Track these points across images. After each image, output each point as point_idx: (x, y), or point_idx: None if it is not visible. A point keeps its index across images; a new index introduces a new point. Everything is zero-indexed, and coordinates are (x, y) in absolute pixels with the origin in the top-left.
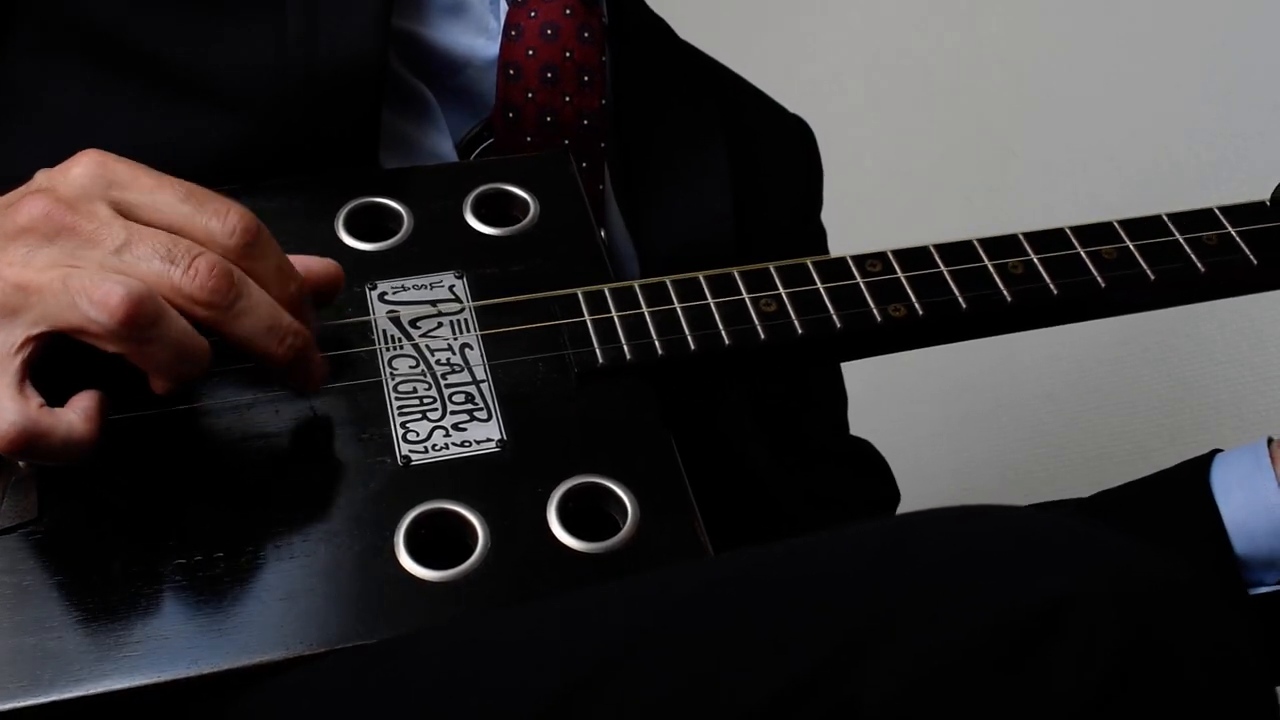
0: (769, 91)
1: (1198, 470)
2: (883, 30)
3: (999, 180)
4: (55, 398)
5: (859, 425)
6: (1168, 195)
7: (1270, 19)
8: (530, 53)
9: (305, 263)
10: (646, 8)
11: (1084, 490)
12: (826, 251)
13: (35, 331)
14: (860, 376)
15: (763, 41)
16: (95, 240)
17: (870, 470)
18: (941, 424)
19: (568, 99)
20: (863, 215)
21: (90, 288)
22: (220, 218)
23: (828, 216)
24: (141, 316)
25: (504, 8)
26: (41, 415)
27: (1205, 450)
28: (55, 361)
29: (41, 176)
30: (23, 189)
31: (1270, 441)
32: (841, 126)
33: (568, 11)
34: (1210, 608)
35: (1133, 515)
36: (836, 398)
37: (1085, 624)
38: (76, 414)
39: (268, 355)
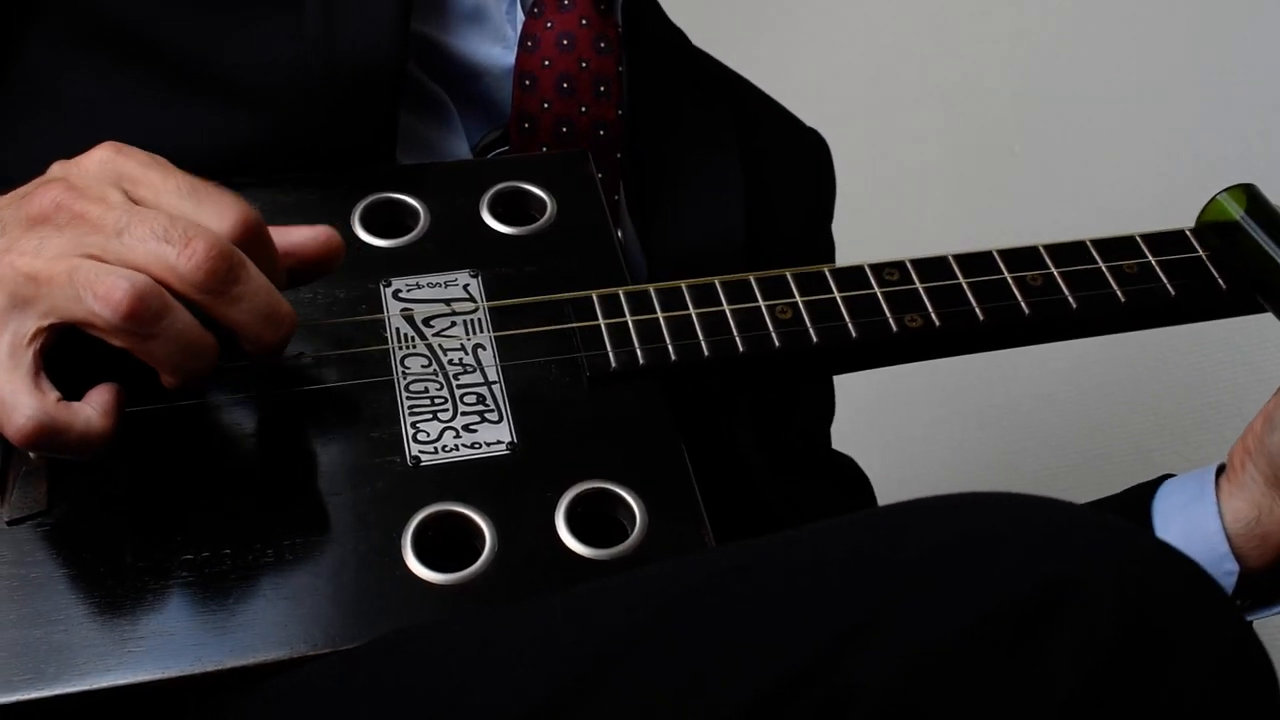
0: (770, 91)
1: (1142, 496)
2: (883, 31)
3: (999, 180)
4: (69, 388)
5: (858, 426)
6: (1167, 195)
7: (1270, 19)
8: (546, 63)
9: (288, 235)
10: (662, 15)
11: (1082, 490)
12: (833, 263)
13: (46, 323)
14: (860, 376)
15: (763, 43)
16: (100, 225)
17: (853, 488)
18: (941, 424)
19: (584, 109)
20: (863, 215)
21: (95, 282)
22: (219, 216)
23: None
24: (145, 311)
25: (520, 17)
26: (59, 409)
27: (1203, 451)
28: (70, 352)
29: (56, 168)
30: (38, 180)
31: (1219, 471)
32: (841, 127)
33: (584, 21)
34: (1213, 597)
35: None
36: (823, 410)
37: (1085, 608)
38: (94, 409)
39: (260, 342)
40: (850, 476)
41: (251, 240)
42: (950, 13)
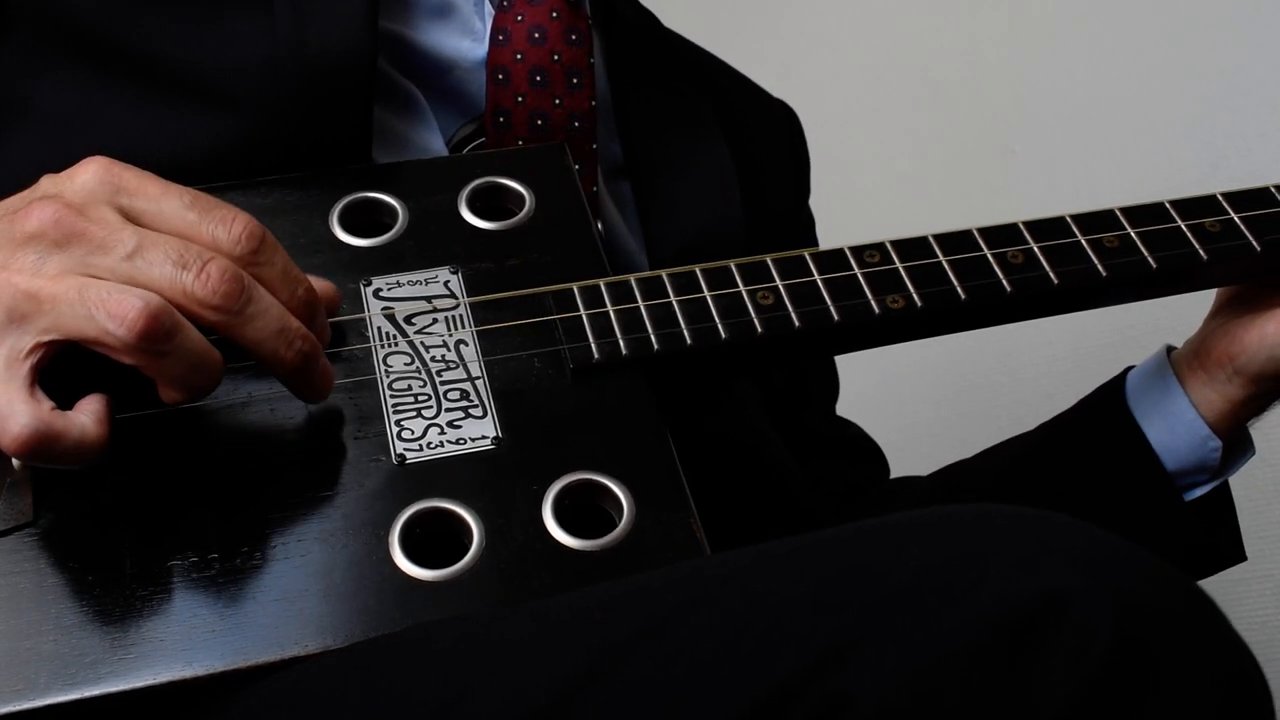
0: (769, 90)
1: (1114, 398)
2: (883, 30)
3: (999, 180)
4: (59, 399)
5: (859, 425)
6: (1168, 195)
7: (1270, 19)
8: (518, 56)
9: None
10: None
11: None
12: (815, 237)
13: (46, 339)
14: (859, 377)
15: (763, 40)
16: (106, 246)
17: (867, 457)
18: (940, 424)
19: (558, 101)
20: (863, 215)
21: (107, 301)
22: (226, 225)
23: (829, 216)
24: (159, 331)
25: (489, 10)
26: (54, 418)
27: None
28: (59, 363)
29: (47, 182)
30: (28, 194)
31: (1170, 352)
32: (842, 126)
33: (554, 14)
34: (1212, 617)
35: (1067, 451)
36: (829, 388)
37: (1079, 622)
38: (87, 416)
39: (276, 359)
40: (862, 447)
41: (259, 249)
42: (950, 11)
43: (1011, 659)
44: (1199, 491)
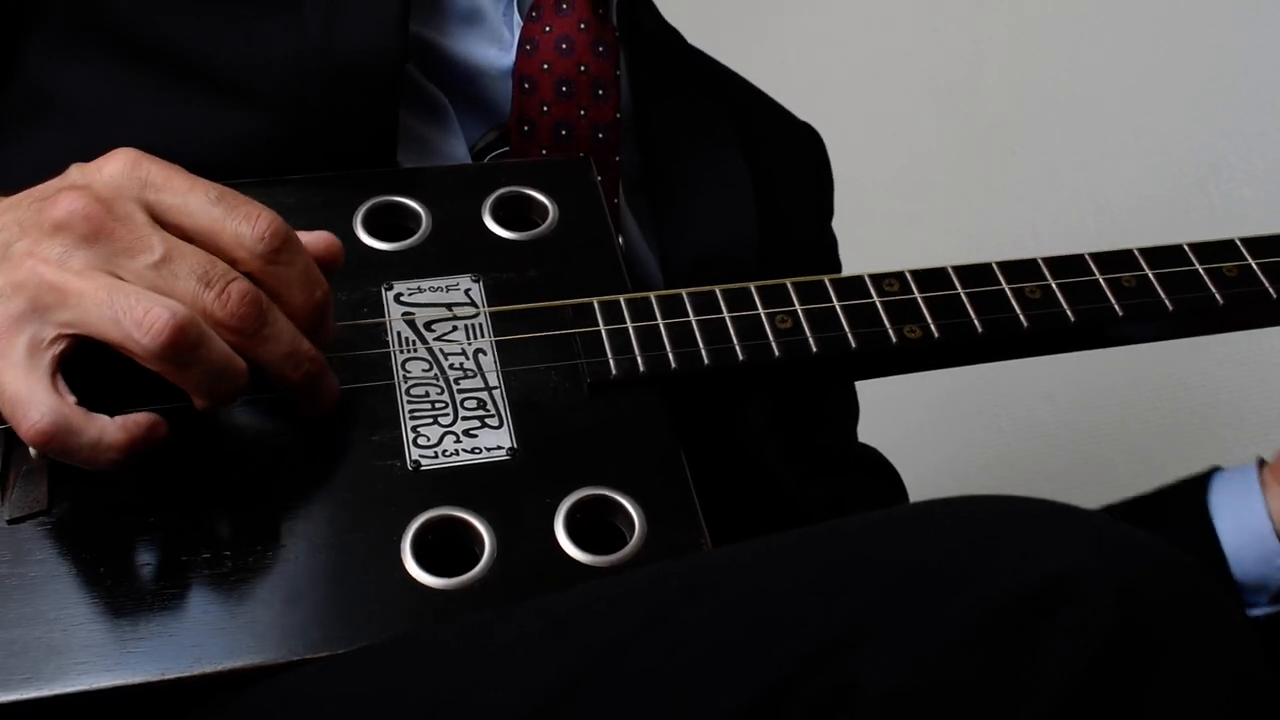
0: (768, 91)
1: (1197, 490)
2: (883, 30)
3: (999, 180)
4: (84, 388)
5: (859, 426)
6: (1168, 195)
7: (1270, 19)
8: (545, 66)
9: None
10: (657, 15)
11: (1082, 490)
12: (838, 260)
13: (69, 331)
14: None
15: (763, 42)
16: (133, 250)
17: (883, 477)
18: (941, 424)
19: (583, 112)
20: (863, 215)
21: (134, 308)
22: (250, 222)
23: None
24: (183, 343)
25: (518, 20)
26: (75, 412)
27: (1203, 451)
28: (83, 353)
29: (75, 172)
30: (57, 182)
31: (1261, 465)
32: (841, 126)
33: (582, 25)
34: (1217, 605)
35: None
36: (850, 408)
37: (1081, 607)
38: (113, 422)
39: (282, 378)
40: (879, 467)
41: (282, 249)
42: (950, 12)
43: (1016, 641)
44: (1257, 612)
